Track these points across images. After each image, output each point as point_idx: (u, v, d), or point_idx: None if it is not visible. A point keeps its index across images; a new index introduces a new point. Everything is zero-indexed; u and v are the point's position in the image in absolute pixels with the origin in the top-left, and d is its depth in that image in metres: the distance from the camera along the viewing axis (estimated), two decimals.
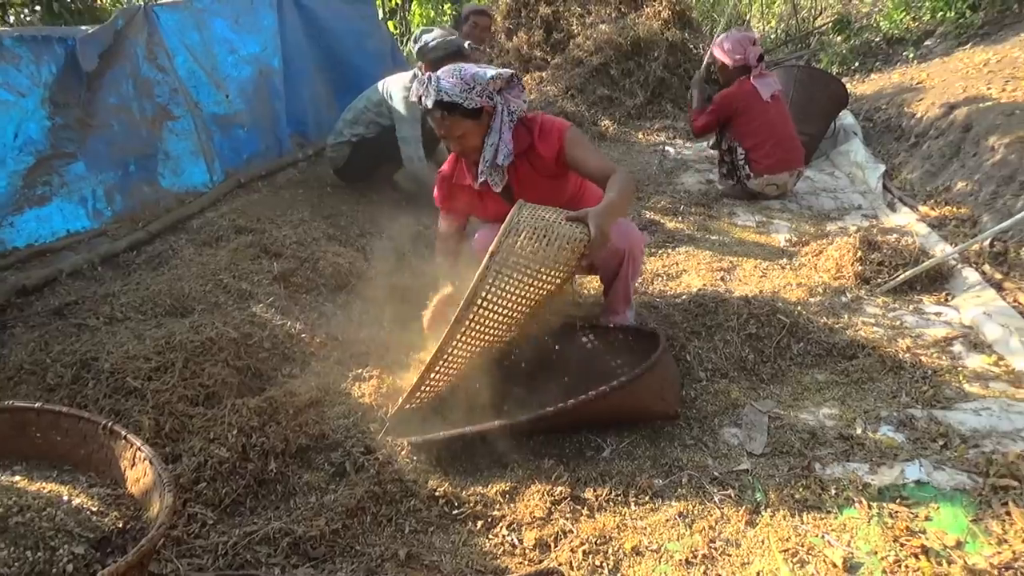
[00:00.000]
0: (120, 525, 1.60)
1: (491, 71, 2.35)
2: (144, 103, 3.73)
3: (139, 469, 1.69)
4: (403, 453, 2.14)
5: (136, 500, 1.68)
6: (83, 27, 3.58)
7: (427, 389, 2.21)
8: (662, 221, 4.09)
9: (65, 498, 1.62)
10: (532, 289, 2.09)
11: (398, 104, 3.91)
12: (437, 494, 2.03)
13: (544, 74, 6.38)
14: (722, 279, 3.29)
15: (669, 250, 3.71)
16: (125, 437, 1.73)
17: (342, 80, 5.10)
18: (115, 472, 1.75)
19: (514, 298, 2.08)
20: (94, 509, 1.62)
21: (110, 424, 1.75)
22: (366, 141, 4.07)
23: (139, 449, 1.69)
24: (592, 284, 3.13)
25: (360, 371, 2.57)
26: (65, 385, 2.25)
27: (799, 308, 2.89)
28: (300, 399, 2.27)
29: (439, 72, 2.32)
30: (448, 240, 2.64)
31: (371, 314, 2.95)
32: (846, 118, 5.37)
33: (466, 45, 3.77)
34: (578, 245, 2.06)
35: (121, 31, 3.63)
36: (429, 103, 2.28)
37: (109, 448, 1.75)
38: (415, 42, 3.49)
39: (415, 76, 3.69)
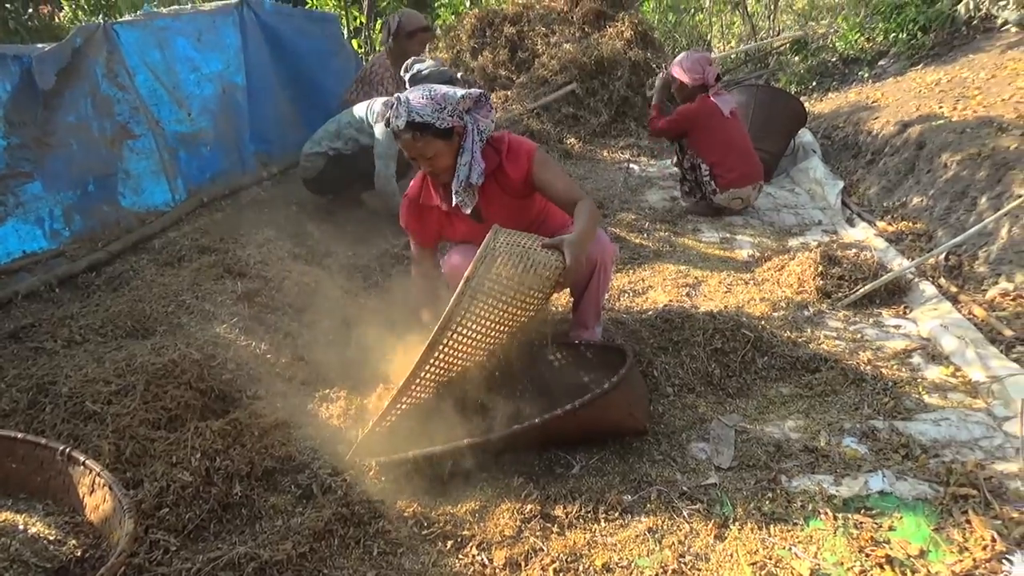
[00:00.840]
0: (79, 554, 1.55)
1: (460, 91, 2.34)
2: (104, 122, 3.68)
3: (99, 495, 1.65)
4: (371, 474, 2.12)
5: (96, 528, 1.63)
6: (40, 45, 3.53)
7: (398, 411, 2.17)
8: (628, 237, 4.10)
9: (21, 527, 1.58)
10: (507, 315, 2.10)
11: (381, 122, 3.82)
12: (406, 514, 2.01)
13: (510, 92, 6.39)
14: (688, 295, 3.29)
15: (635, 266, 3.72)
16: (84, 463, 1.68)
17: (306, 98, 5.09)
18: (73, 499, 1.70)
19: (489, 323, 2.08)
20: (52, 538, 1.57)
21: (68, 450, 1.71)
22: (342, 156, 4.05)
23: (98, 475, 1.65)
24: (560, 299, 3.11)
25: (327, 392, 2.56)
26: (21, 411, 2.20)
27: (763, 322, 2.92)
28: (265, 421, 2.24)
29: (408, 93, 2.30)
30: (423, 262, 2.63)
31: (337, 334, 2.92)
32: (805, 136, 5.44)
33: (458, 76, 3.80)
34: (553, 272, 2.09)
35: (80, 49, 3.59)
36: (400, 124, 2.25)
37: (67, 475, 1.70)
38: (406, 71, 3.49)
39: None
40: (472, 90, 2.36)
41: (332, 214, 4.22)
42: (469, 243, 2.56)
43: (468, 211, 2.44)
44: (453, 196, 2.39)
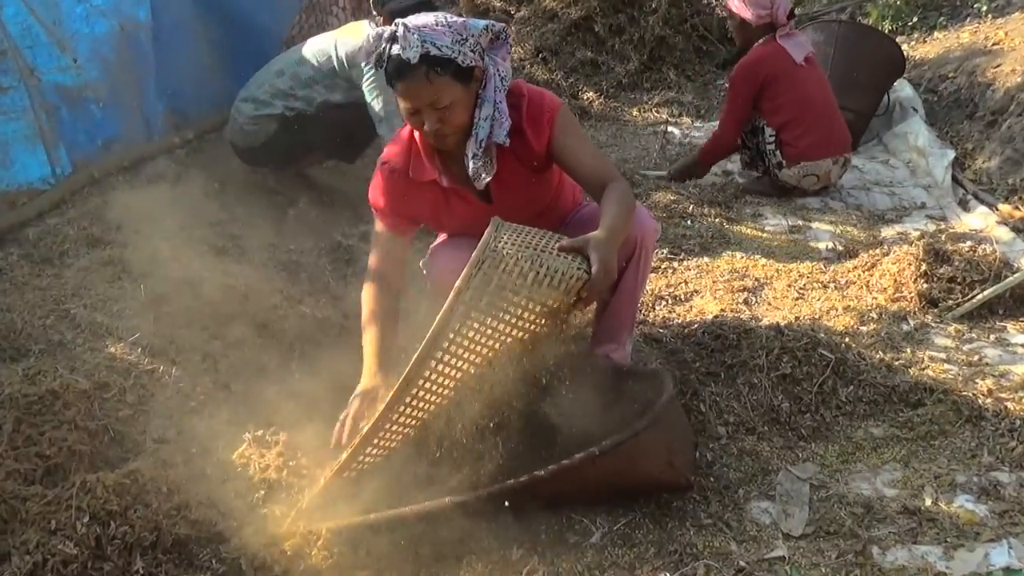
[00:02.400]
0: None
1: (480, 21, 2.33)
2: None
3: None
4: (319, 544, 2.08)
5: None
6: None
7: (359, 466, 2.17)
8: (666, 226, 4.05)
9: None
10: (510, 340, 2.09)
11: (370, 71, 3.78)
12: None
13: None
14: (746, 302, 3.28)
15: (676, 264, 3.67)
16: None
17: (238, 42, 4.98)
18: None
19: (485, 351, 2.07)
20: None
21: None
22: (303, 119, 3.98)
23: None
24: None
25: (261, 433, 2.51)
26: None
27: (847, 340, 2.89)
28: (177, 473, 2.20)
29: (414, 19, 2.25)
30: (387, 257, 2.56)
31: (275, 356, 2.88)
32: (903, 90, 5.41)
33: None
34: (574, 284, 2.06)
35: None
36: (413, 56, 2.18)
37: None
38: None
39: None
40: (493, 22, 2.35)
41: (270, 196, 4.15)
42: (463, 237, 2.55)
43: (483, 184, 2.42)
44: (468, 163, 2.36)
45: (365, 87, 3.87)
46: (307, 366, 2.82)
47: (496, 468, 2.22)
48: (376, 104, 3.86)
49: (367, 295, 2.53)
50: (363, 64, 3.43)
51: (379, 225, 2.59)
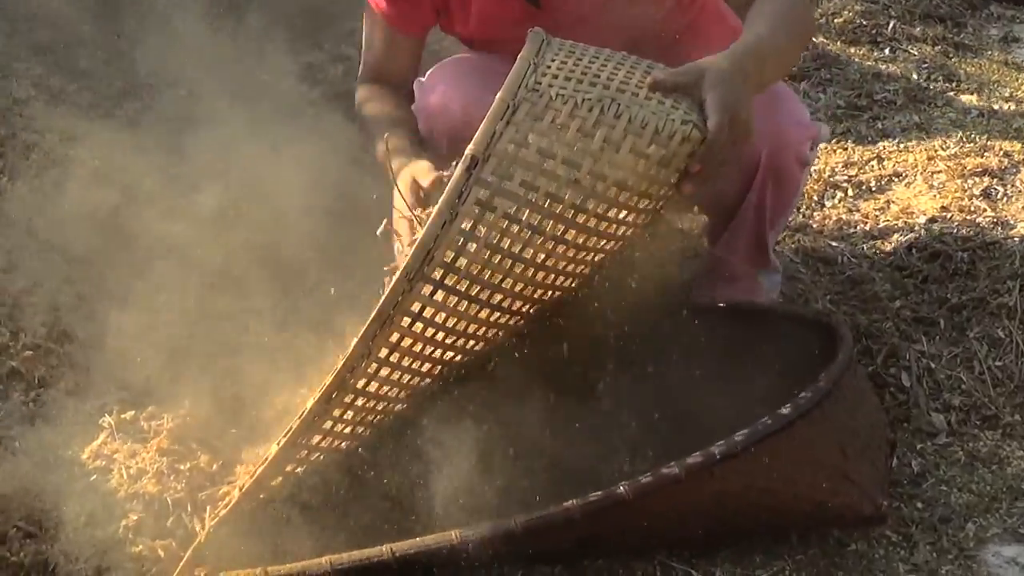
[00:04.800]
0: None
1: None
2: None
3: None
4: None
5: None
6: None
7: (296, 467, 2.00)
8: (846, 58, 3.84)
9: None
10: (556, 259, 1.92)
11: None
12: None
13: None
14: (985, 195, 3.08)
15: (861, 128, 3.48)
16: None
17: None
18: None
19: (517, 270, 1.89)
20: None
21: None
22: None
23: None
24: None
25: (128, 416, 2.38)
26: None
27: None
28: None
29: None
30: (390, 66, 2.51)
31: (163, 289, 2.71)
32: None
33: None
34: (676, 149, 1.85)
35: None
36: None
37: None
38: None
39: None
40: None
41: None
42: (487, 58, 2.43)
43: None
44: None
45: None
46: (212, 308, 2.61)
47: (545, 478, 2.06)
48: None
49: (368, 94, 2.51)
50: None
51: (377, 25, 2.51)
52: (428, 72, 2.53)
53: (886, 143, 3.45)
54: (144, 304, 2.68)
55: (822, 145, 3.33)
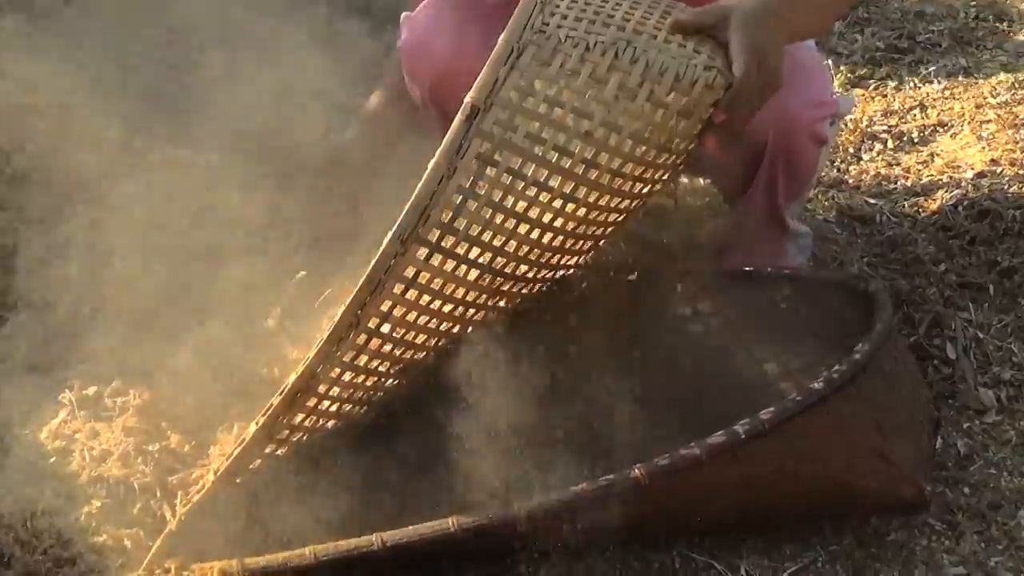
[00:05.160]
0: None
1: None
2: None
3: None
4: None
5: None
6: None
7: (276, 448, 1.96)
8: None
9: None
10: (569, 209, 1.89)
11: None
12: None
13: None
14: None
15: (902, 71, 3.44)
16: None
17: None
18: None
19: (522, 231, 1.88)
20: None
21: None
22: None
23: None
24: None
25: (91, 392, 2.30)
26: None
27: None
28: None
29: None
30: None
31: (130, 250, 2.64)
32: None
33: None
34: (700, 97, 1.83)
35: None
36: None
37: None
38: None
39: None
40: None
41: None
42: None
43: None
44: None
45: None
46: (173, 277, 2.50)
47: (562, 458, 2.04)
48: None
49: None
50: None
51: None
52: (419, 5, 2.52)
53: (930, 89, 3.40)
54: (108, 267, 2.64)
55: (858, 91, 3.41)
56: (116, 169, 2.88)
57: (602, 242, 2.14)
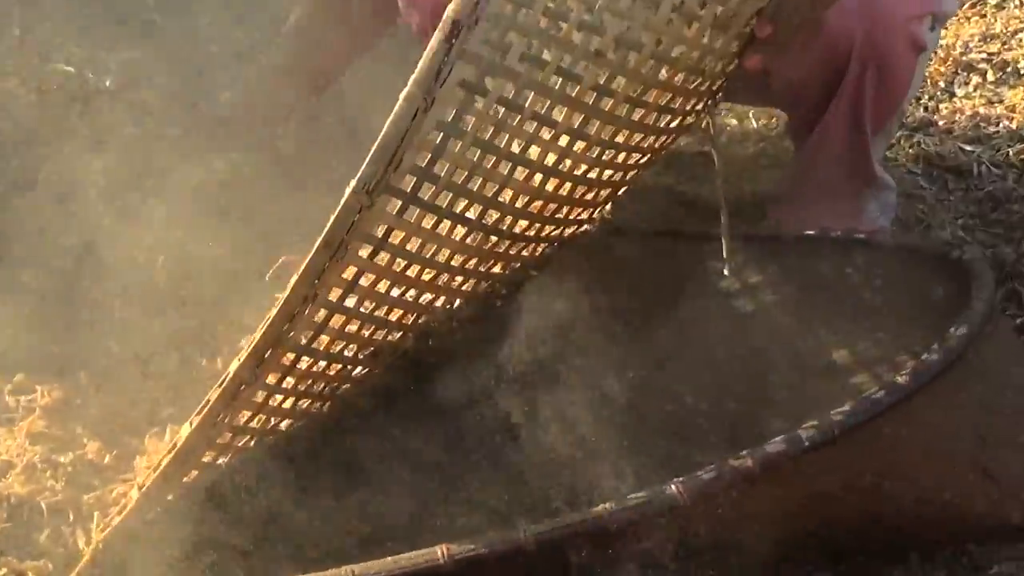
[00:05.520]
0: None
1: None
2: None
3: None
4: None
5: None
6: None
7: (224, 446, 1.84)
8: None
9: None
10: (577, 148, 1.82)
11: None
12: None
13: None
14: None
15: None
16: None
17: None
18: None
19: (519, 176, 1.81)
20: None
21: None
22: None
23: None
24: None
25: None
26: None
27: None
28: None
29: None
30: None
31: (34, 219, 2.63)
32: None
33: None
34: (739, 5, 1.78)
35: None
36: None
37: None
38: None
39: None
40: None
41: None
42: None
43: None
44: None
45: None
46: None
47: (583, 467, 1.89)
48: None
49: None
50: None
51: None
52: None
53: None
54: (12, 240, 2.56)
55: (955, 19, 3.29)
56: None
57: (621, 191, 1.98)
